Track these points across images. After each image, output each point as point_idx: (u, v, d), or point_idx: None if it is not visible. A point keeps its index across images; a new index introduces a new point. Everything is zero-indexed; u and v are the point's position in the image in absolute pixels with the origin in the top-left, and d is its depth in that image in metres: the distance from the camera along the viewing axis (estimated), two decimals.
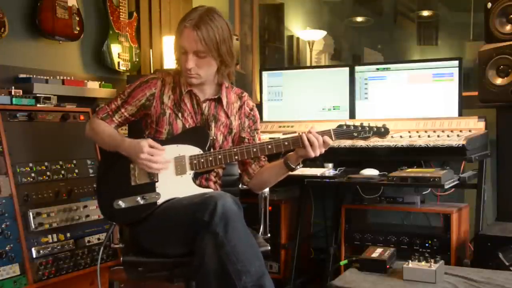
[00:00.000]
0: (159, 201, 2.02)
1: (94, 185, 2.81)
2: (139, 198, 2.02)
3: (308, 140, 1.96)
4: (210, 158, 2.03)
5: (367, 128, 2.05)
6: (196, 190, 2.02)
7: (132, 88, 2.14)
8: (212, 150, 2.08)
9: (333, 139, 2.01)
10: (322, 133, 2.00)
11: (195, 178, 2.06)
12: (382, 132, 2.08)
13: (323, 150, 1.99)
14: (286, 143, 2.00)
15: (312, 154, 1.97)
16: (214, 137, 2.14)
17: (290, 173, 2.11)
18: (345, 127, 2.03)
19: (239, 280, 1.74)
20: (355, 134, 2.03)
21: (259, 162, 2.19)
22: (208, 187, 2.15)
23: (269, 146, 2.01)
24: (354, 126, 2.04)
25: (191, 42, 1.99)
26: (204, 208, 1.80)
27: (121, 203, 2.03)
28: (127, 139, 2.05)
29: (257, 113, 2.26)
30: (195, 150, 2.05)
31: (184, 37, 1.99)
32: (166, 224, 1.95)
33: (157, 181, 2.03)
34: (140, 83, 2.14)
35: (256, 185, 2.22)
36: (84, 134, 2.21)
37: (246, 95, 2.26)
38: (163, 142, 2.07)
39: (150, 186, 2.03)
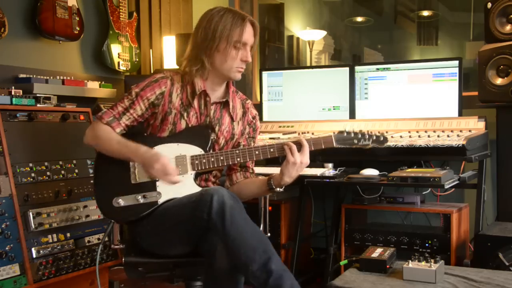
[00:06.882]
0: (160, 201, 2.01)
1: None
2: (139, 197, 2.01)
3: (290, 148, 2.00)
4: (212, 159, 2.03)
5: (367, 136, 2.09)
6: (196, 190, 2.00)
7: (140, 87, 2.08)
8: (213, 151, 2.08)
9: (334, 145, 2.04)
10: (321, 138, 2.04)
11: (196, 178, 2.06)
12: (381, 141, 2.12)
13: (303, 158, 1.99)
14: (286, 146, 2.01)
15: (291, 159, 1.98)
16: (215, 138, 2.14)
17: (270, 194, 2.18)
18: (345, 133, 2.07)
19: (247, 271, 1.76)
20: (355, 141, 2.07)
21: (245, 173, 2.21)
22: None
23: (271, 150, 2.03)
24: (354, 133, 2.07)
25: (252, 35, 2.09)
26: (202, 205, 1.81)
27: (121, 201, 2.02)
28: (142, 146, 2.00)
29: (258, 122, 2.29)
30: (196, 150, 2.05)
31: (248, 31, 2.07)
32: (168, 224, 1.95)
33: (158, 180, 2.02)
34: (149, 82, 2.09)
35: (234, 193, 2.18)
36: (84, 140, 2.10)
37: (249, 103, 2.28)
38: (164, 140, 2.07)
39: (150, 185, 2.02)
